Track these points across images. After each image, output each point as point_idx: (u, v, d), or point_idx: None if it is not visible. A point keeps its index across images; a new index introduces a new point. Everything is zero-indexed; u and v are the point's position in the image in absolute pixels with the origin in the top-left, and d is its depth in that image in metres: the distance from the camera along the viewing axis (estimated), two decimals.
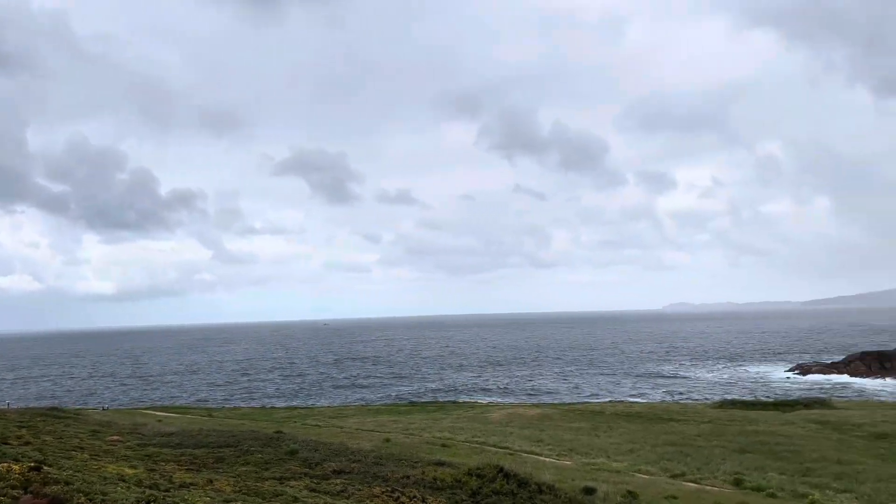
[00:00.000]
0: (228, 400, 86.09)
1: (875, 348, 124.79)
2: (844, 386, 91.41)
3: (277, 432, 28.28)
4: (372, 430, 37.98)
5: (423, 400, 77.73)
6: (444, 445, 30.98)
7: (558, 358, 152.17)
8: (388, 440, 31.74)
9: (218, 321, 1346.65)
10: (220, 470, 17.95)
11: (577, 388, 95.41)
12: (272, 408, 64.02)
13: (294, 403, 77.29)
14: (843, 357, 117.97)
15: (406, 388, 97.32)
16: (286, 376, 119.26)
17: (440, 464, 20.69)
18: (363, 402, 77.29)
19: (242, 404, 76.05)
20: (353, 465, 19.94)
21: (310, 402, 79.92)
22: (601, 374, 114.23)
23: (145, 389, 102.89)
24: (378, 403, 73.32)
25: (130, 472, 15.55)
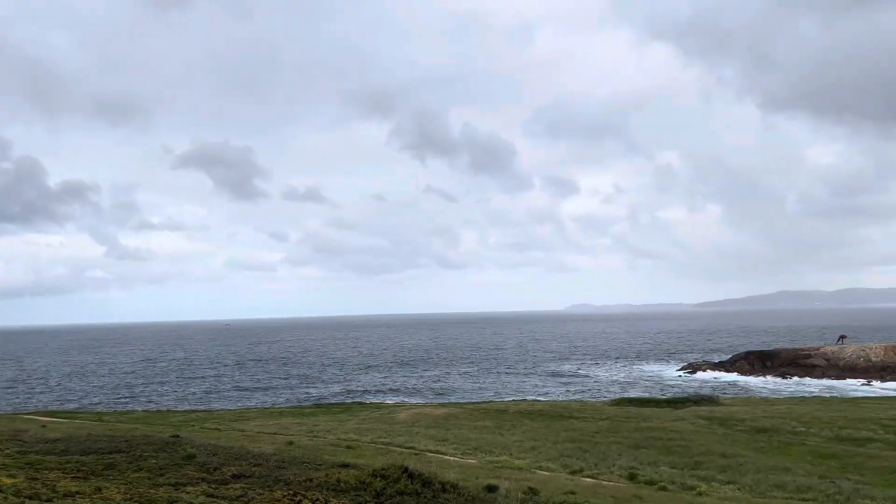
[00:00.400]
0: (121, 403, 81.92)
1: (758, 348, 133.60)
2: (731, 384, 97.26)
3: (174, 436, 27.12)
4: (275, 433, 37.10)
5: (329, 401, 76.71)
6: (349, 447, 30.69)
7: (466, 358, 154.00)
8: (291, 443, 31.10)
9: (112, 321, 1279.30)
10: (111, 477, 17.03)
11: (483, 387, 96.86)
12: (169, 411, 61.32)
13: (192, 406, 74.48)
14: (730, 356, 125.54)
15: (312, 390, 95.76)
16: (184, 378, 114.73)
17: (345, 465, 20.48)
18: (266, 405, 75.43)
19: (137, 408, 72.52)
20: (253, 468, 19.41)
21: (209, 405, 77.25)
22: (507, 374, 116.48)
23: (28, 394, 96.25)
24: (282, 406, 71.73)
25: (8, 481, 14.51)
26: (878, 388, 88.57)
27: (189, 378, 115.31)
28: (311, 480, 17.44)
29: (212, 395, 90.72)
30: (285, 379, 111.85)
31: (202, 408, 71.64)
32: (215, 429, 39.08)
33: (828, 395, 76.73)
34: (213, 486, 16.54)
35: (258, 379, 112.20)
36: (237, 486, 16.72)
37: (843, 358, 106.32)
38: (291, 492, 15.98)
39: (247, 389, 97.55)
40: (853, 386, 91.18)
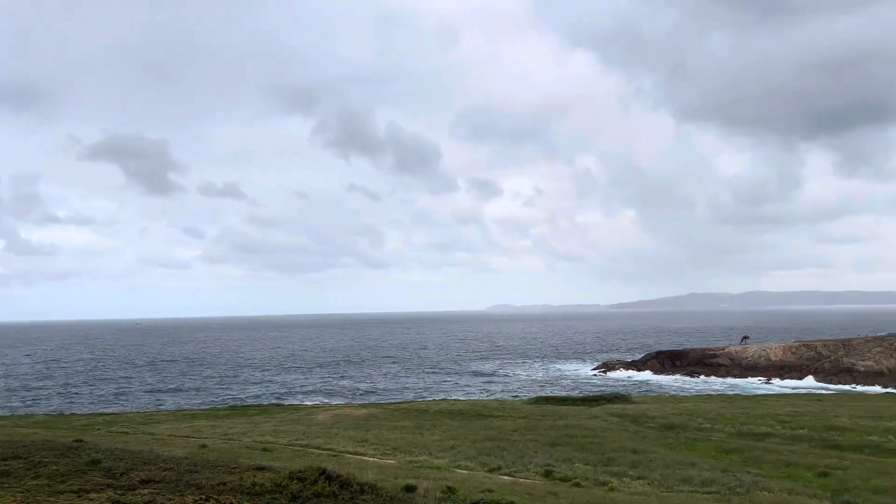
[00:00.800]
0: (20, 407, 77.21)
1: (669, 348, 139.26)
2: (642, 382, 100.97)
3: (77, 441, 25.76)
4: (187, 436, 35.87)
5: (245, 403, 74.80)
6: (265, 449, 30.01)
7: (389, 358, 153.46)
8: (204, 446, 30.13)
9: (11, 319, 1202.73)
10: (6, 485, 16.02)
11: (405, 387, 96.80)
12: (72, 414, 58.21)
13: (99, 409, 71.08)
14: (642, 356, 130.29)
15: (227, 392, 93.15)
16: (90, 380, 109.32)
17: (260, 468, 20.01)
18: (178, 407, 72.82)
19: (37, 411, 68.53)
20: (163, 473, 18.68)
21: (117, 408, 73.93)
22: (429, 373, 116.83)
23: None
24: (195, 408, 69.40)
25: None
26: (777, 386, 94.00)
27: (96, 380, 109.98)
28: (224, 484, 16.94)
29: (120, 398, 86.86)
30: (199, 380, 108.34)
31: (109, 410, 68.51)
32: (123, 432, 37.43)
33: (731, 392, 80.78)
34: (119, 492, 15.83)
35: (170, 380, 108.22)
36: (145, 491, 16.07)
37: (746, 357, 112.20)
38: (203, 496, 15.49)
39: (158, 391, 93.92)
40: (755, 384, 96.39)
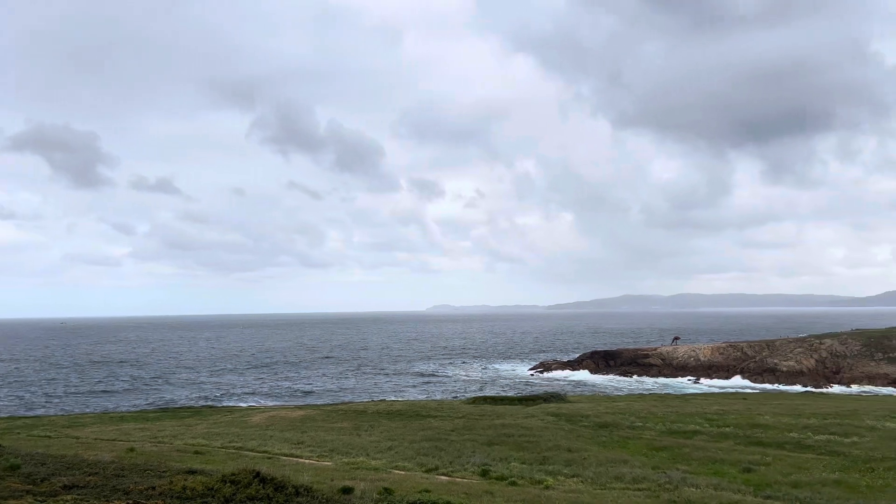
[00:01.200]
0: None
1: (603, 348, 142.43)
2: (578, 382, 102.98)
3: None
4: (114, 440, 34.61)
5: (176, 405, 72.71)
6: (197, 452, 29.23)
7: (326, 359, 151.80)
8: (132, 449, 29.14)
9: None
10: None
11: (343, 388, 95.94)
12: None
13: (19, 413, 67.87)
14: (578, 356, 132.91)
15: (158, 393, 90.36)
16: (9, 382, 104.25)
17: (191, 472, 19.50)
18: (105, 410, 70.21)
19: None
20: (88, 478, 17.99)
21: (38, 411, 70.73)
22: (368, 374, 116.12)
23: None
24: (123, 410, 67.06)
25: None
26: (706, 385, 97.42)
27: (15, 381, 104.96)
28: (153, 489, 16.45)
29: (42, 400, 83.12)
30: (128, 382, 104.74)
31: (31, 414, 65.51)
32: (45, 436, 35.82)
33: (662, 392, 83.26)
34: (40, 498, 15.17)
35: (97, 382, 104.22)
36: (68, 497, 15.45)
37: (677, 358, 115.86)
38: (131, 501, 15.01)
39: (84, 393, 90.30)
40: (685, 383, 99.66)
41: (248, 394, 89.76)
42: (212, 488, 16.29)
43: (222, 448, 31.44)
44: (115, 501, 14.90)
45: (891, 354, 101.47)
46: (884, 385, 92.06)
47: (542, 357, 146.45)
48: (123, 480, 17.74)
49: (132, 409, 67.98)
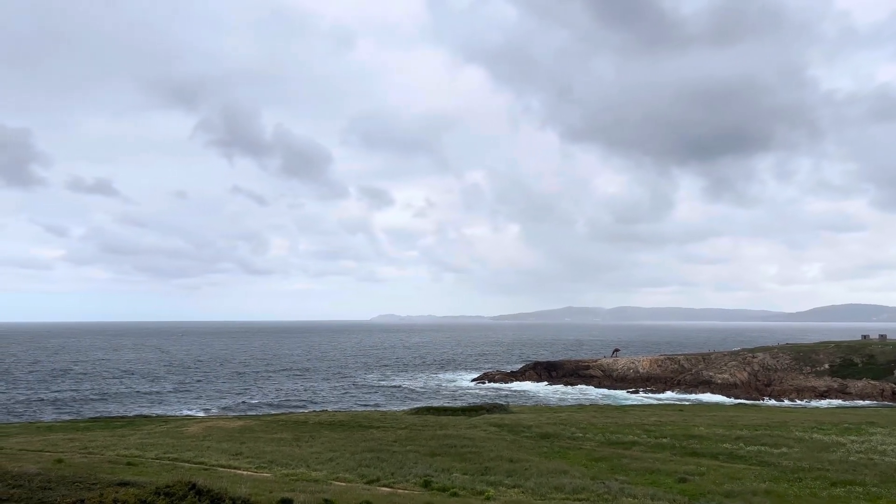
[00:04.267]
0: None
1: (545, 359, 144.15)
2: (520, 392, 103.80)
3: None
4: (41, 451, 33.16)
5: (108, 415, 70.14)
6: (130, 463, 28.27)
7: (267, 368, 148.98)
8: (60, 461, 27.98)
9: None
10: None
11: (283, 398, 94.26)
12: None
13: None
14: (520, 366, 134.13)
15: (88, 403, 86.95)
16: None
17: (123, 484, 18.85)
18: (32, 419, 67.20)
19: None
20: (12, 491, 17.19)
21: None
22: (310, 384, 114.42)
23: None
24: (51, 420, 64.32)
25: None
26: (644, 396, 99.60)
27: None
28: (82, 502, 15.81)
29: None
30: (57, 391, 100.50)
31: None
32: None
33: (603, 402, 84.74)
34: None
35: (23, 391, 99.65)
36: None
37: (616, 369, 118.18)
38: None
39: (8, 402, 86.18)
40: (624, 394, 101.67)
41: (183, 403, 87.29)
42: (145, 501, 15.76)
43: (156, 459, 30.49)
44: None
45: (818, 368, 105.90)
46: (811, 398, 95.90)
47: (486, 367, 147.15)
48: (50, 493, 17.03)
49: (61, 419, 65.25)
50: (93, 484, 18.95)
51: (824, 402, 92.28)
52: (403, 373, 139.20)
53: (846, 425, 48.56)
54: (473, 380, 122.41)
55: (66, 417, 69.00)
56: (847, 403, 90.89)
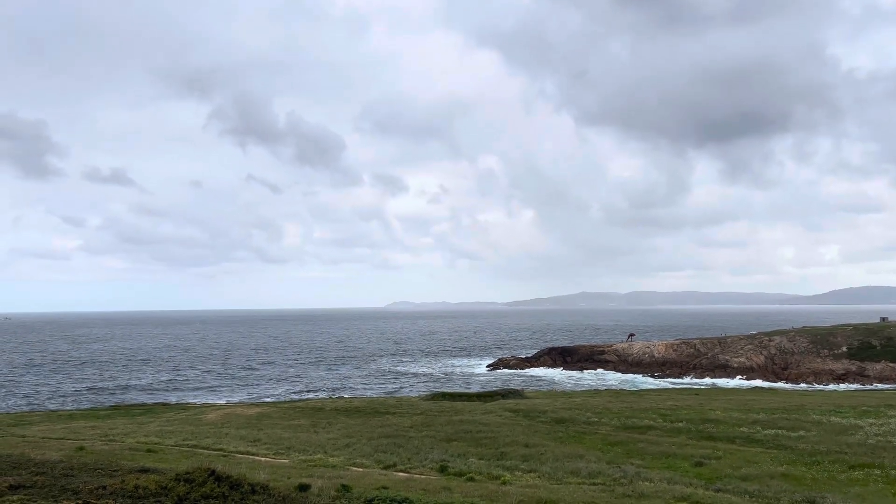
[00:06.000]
0: None
1: (560, 345, 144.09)
2: (535, 377, 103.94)
3: None
4: (62, 438, 33.68)
5: (128, 403, 71.05)
6: (150, 451, 28.65)
7: (284, 355, 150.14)
8: (82, 448, 28.40)
9: None
10: None
11: (300, 385, 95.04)
12: None
13: None
14: (535, 352, 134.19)
15: (108, 391, 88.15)
16: None
17: (144, 470, 19.10)
18: (54, 407, 68.22)
19: None
20: (35, 478, 17.47)
21: None
22: (326, 371, 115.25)
23: None
24: (72, 408, 65.26)
25: None
26: (660, 381, 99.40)
27: None
28: (104, 488, 16.04)
29: None
30: (77, 379, 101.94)
31: None
32: None
33: (618, 387, 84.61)
34: None
35: (45, 379, 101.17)
36: (14, 498, 14.97)
37: (632, 354, 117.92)
38: (81, 501, 14.61)
39: (28, 391, 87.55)
40: (640, 379, 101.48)
41: (201, 390, 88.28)
42: (165, 487, 15.97)
43: (176, 446, 30.87)
44: (64, 501, 14.50)
45: (836, 351, 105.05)
46: (829, 381, 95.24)
47: (501, 353, 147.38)
48: (73, 480, 17.28)
49: (82, 407, 66.22)
50: (114, 471, 19.22)
51: (842, 386, 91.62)
52: (419, 359, 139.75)
53: (864, 408, 48.20)
54: (488, 366, 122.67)
55: (87, 405, 70.00)
56: (865, 387, 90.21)
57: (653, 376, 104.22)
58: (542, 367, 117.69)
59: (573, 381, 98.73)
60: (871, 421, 40.93)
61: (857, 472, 26.30)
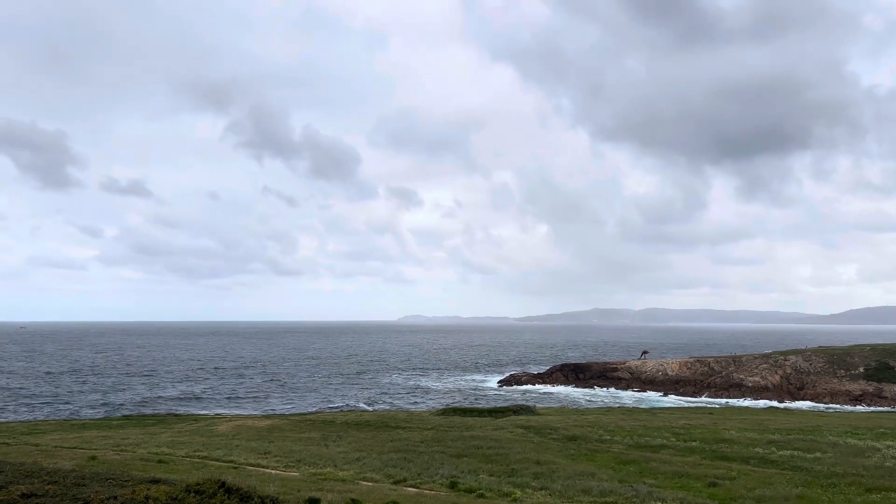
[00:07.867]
0: None
1: (573, 361, 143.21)
2: (547, 394, 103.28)
3: None
4: (75, 448, 33.84)
5: (140, 413, 71.33)
6: (161, 461, 28.71)
7: (295, 368, 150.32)
8: (94, 458, 28.52)
9: None
10: None
11: (311, 398, 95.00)
12: None
13: None
14: (547, 368, 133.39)
15: (121, 401, 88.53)
16: None
17: (155, 481, 19.12)
18: (67, 417, 68.59)
19: None
20: (47, 486, 17.54)
21: None
22: (337, 384, 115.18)
23: None
24: (85, 418, 65.59)
25: None
26: (674, 399, 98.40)
27: None
28: (115, 498, 16.08)
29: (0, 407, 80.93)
30: (90, 389, 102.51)
31: None
32: (3, 443, 34.91)
33: (631, 405, 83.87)
34: None
35: (58, 388, 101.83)
36: None
37: (645, 372, 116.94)
38: None
39: (42, 399, 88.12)
40: (653, 397, 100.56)
41: (213, 402, 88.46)
42: (176, 498, 15.98)
43: (187, 457, 30.92)
44: None
45: (853, 371, 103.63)
46: (846, 402, 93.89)
47: (513, 369, 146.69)
48: (84, 489, 17.33)
49: (95, 417, 66.55)
50: (125, 481, 19.26)
51: (859, 407, 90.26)
52: (430, 374, 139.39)
53: (882, 430, 47.43)
54: (500, 381, 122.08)
55: (100, 415, 70.32)
56: (882, 408, 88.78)
57: (666, 394, 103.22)
58: (554, 384, 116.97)
59: (585, 399, 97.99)
60: (888, 443, 40.23)
61: (874, 496, 25.82)
